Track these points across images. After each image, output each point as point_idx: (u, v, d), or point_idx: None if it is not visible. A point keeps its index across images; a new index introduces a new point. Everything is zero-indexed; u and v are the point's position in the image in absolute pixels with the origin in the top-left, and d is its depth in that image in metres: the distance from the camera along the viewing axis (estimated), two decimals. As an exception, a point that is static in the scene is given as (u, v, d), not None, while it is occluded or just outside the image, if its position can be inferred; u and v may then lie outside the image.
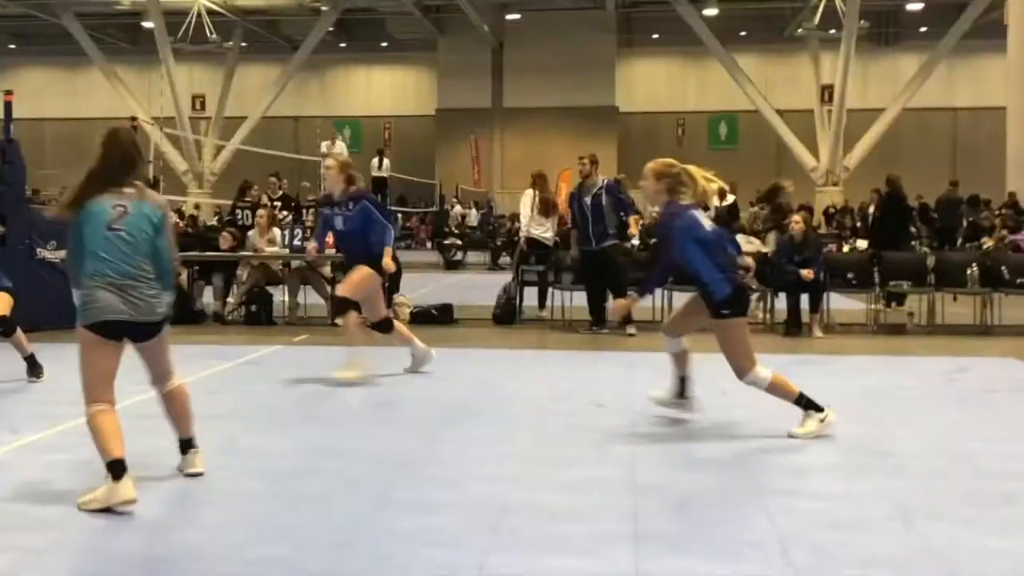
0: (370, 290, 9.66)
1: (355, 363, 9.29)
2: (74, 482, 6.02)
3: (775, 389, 7.34)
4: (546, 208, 14.74)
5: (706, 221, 7.52)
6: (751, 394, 9.04)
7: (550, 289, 14.56)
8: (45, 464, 6.38)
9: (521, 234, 15.83)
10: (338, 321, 9.45)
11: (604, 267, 13.08)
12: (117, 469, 5.44)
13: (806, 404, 7.28)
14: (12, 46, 48.86)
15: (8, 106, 13.73)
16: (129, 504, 5.40)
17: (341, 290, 9.64)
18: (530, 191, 14.88)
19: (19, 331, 9.37)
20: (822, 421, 7.21)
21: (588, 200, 13.22)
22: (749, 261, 8.46)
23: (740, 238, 15.08)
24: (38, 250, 12.85)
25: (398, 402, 8.62)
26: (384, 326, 9.84)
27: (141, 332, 5.82)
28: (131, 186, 5.83)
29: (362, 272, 9.48)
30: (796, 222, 13.62)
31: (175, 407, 6.16)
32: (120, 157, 5.86)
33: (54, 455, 6.60)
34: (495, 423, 7.71)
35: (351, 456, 6.65)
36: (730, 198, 24.39)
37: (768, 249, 14.29)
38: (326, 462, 6.51)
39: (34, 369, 9.34)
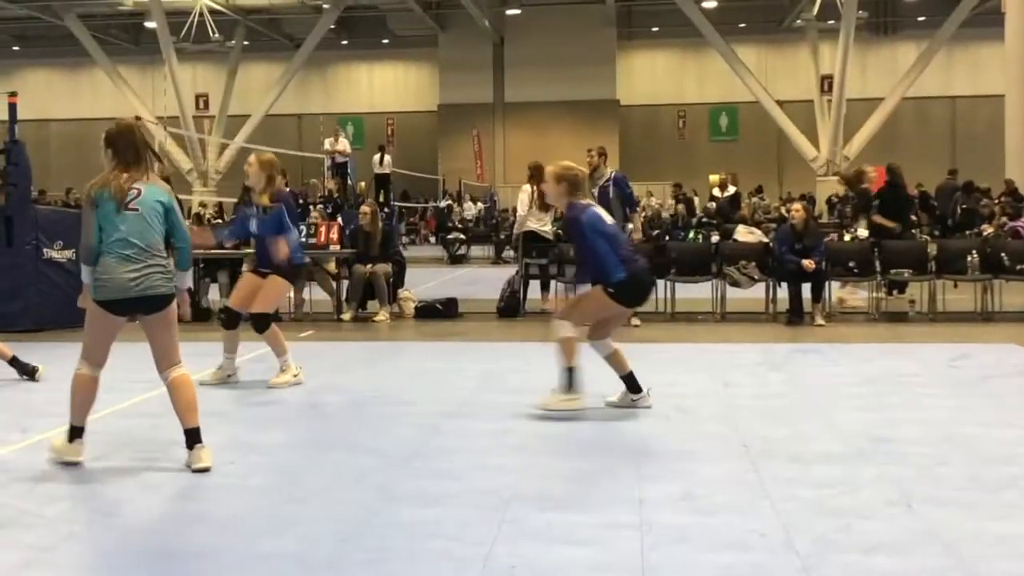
0: (281, 297, 9.79)
1: (288, 366, 9.25)
2: (82, 478, 6.04)
3: (566, 346, 7.73)
4: (544, 201, 14.70)
5: (606, 216, 7.99)
6: (752, 386, 9.08)
7: (553, 282, 14.55)
8: (57, 468, 6.37)
9: (515, 229, 15.79)
10: (264, 337, 9.21)
11: None
12: (74, 433, 6.28)
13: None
14: (16, 48, 48.87)
15: (12, 108, 13.74)
16: (72, 465, 6.22)
17: (255, 306, 9.26)
18: (527, 186, 14.83)
19: None
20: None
21: (595, 192, 13.21)
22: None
23: (741, 228, 15.12)
24: (45, 250, 12.86)
25: (403, 396, 8.61)
26: (261, 324, 9.30)
27: (146, 305, 6.23)
28: (142, 171, 6.26)
29: (276, 286, 9.31)
30: (796, 211, 13.63)
31: (178, 396, 6.30)
32: (130, 144, 6.26)
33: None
34: (500, 415, 7.71)
35: (356, 450, 6.66)
36: (731, 189, 24.49)
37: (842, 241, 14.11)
38: (331, 456, 6.53)
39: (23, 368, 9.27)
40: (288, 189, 10.40)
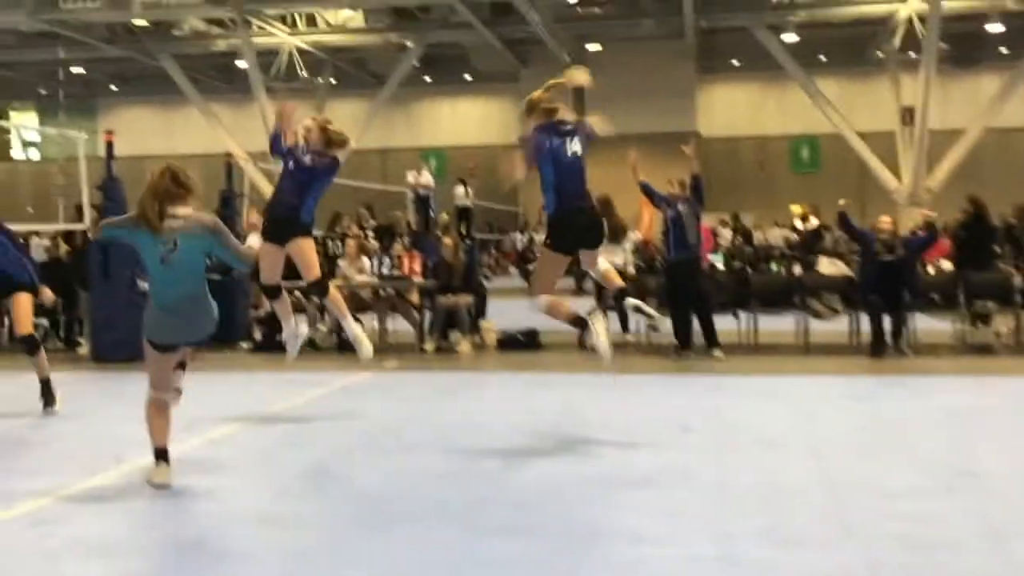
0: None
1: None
2: (173, 503, 6.10)
3: (551, 312, 8.06)
4: (615, 234, 14.60)
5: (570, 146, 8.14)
6: (837, 418, 8.92)
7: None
8: (150, 495, 6.43)
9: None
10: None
11: (688, 282, 13.00)
12: (158, 456, 6.45)
13: (582, 324, 7.97)
14: (113, 87, 49.96)
15: (110, 145, 14.05)
16: (161, 487, 6.31)
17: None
18: None
19: (43, 351, 9.50)
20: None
21: (672, 215, 13.21)
22: None
23: (824, 260, 14.92)
24: (139, 282, 13.06)
25: (486, 427, 8.58)
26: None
27: (190, 343, 6.78)
28: (178, 215, 6.36)
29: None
30: (885, 222, 13.28)
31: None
32: (163, 189, 6.37)
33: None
34: (582, 447, 7.66)
35: (440, 480, 6.64)
36: (813, 221, 24.22)
37: None
38: (414, 487, 6.52)
39: (48, 396, 9.37)
40: None
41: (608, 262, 10.04)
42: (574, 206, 7.92)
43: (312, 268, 8.89)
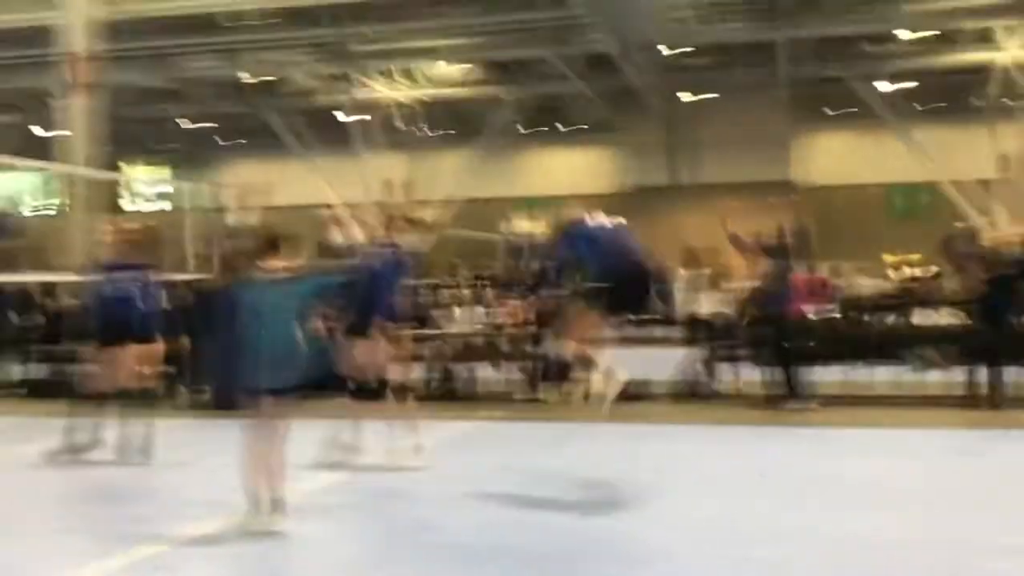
0: None
1: None
2: (286, 549, 6.16)
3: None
4: (707, 283, 14.50)
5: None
6: (955, 472, 8.70)
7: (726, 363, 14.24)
8: (259, 541, 6.50)
9: (679, 311, 15.60)
10: None
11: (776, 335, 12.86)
12: (268, 504, 6.61)
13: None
14: (225, 142, 51.12)
15: (233, 197, 14.38)
16: (273, 534, 6.47)
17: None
18: (682, 270, 14.67)
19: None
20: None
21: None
22: None
23: (922, 311, 14.58)
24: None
25: (592, 477, 8.54)
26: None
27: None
28: (277, 268, 6.74)
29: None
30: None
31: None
32: (263, 245, 6.86)
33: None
34: (685, 500, 7.59)
35: (547, 530, 6.62)
36: (933, 269, 23.72)
37: None
38: (517, 537, 6.50)
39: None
40: None
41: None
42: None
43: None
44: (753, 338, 13.48)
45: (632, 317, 8.22)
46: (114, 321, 9.37)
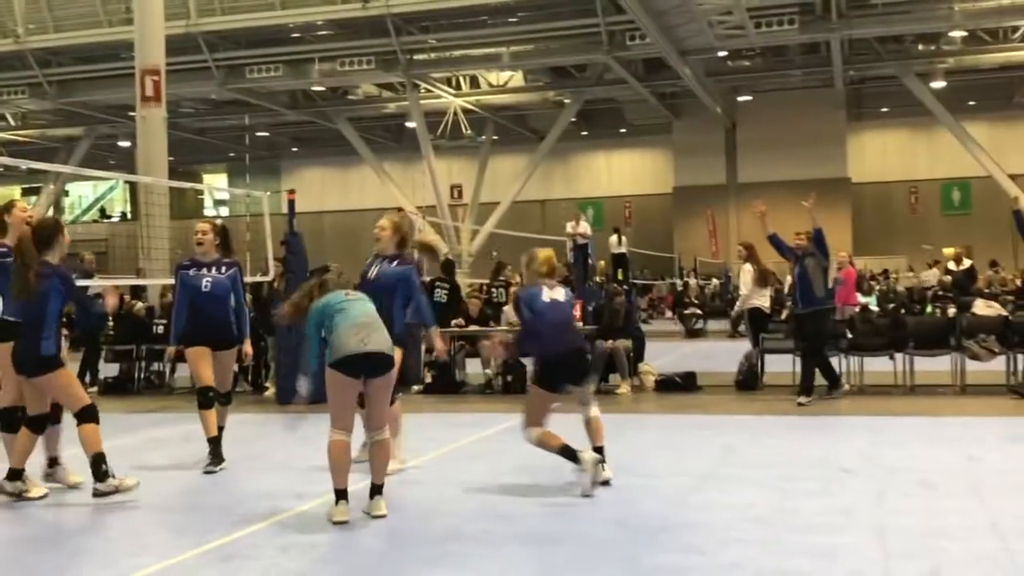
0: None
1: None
2: (350, 541, 6.13)
3: (542, 444, 7.56)
4: (764, 278, 14.33)
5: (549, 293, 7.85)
6: (997, 460, 8.52)
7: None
8: (330, 531, 6.48)
9: (738, 306, 15.47)
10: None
11: (817, 333, 12.69)
12: (338, 495, 6.60)
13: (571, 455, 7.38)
14: (295, 149, 51.57)
15: (291, 204, 14.44)
16: (340, 524, 6.45)
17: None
18: (747, 265, 14.48)
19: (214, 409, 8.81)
20: None
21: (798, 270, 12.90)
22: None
23: (980, 302, 14.33)
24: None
25: (647, 469, 8.44)
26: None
27: (372, 366, 6.71)
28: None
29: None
30: None
31: (379, 455, 6.85)
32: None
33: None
34: (741, 489, 7.46)
35: (604, 522, 6.54)
36: (966, 262, 23.39)
37: None
38: (580, 527, 6.42)
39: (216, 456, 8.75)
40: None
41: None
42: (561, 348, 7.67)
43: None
44: (792, 332, 13.34)
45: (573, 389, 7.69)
46: (207, 321, 8.88)
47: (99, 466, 7.23)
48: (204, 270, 8.98)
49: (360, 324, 6.72)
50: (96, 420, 7.37)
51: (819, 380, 12.68)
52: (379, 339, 6.74)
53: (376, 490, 6.76)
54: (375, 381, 6.74)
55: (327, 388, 6.78)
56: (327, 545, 6.18)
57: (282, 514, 6.90)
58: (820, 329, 12.68)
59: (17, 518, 7.10)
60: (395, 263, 8.31)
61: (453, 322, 15.05)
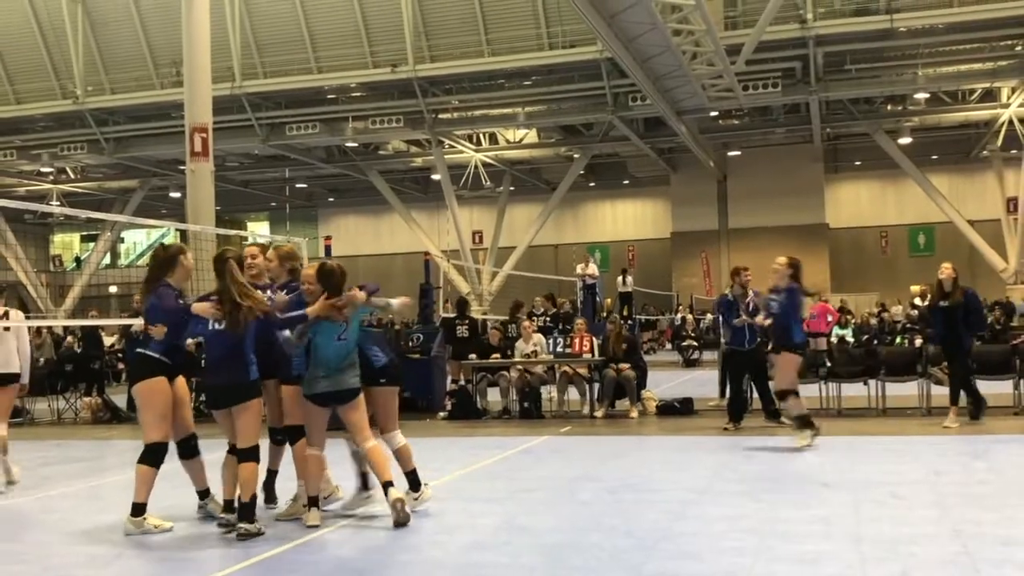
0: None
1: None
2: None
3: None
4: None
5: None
6: (960, 473, 8.54)
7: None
8: (359, 547, 6.54)
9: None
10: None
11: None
12: (311, 502, 6.90)
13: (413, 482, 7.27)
14: (331, 199, 51.86)
15: (328, 248, 14.61)
16: (312, 528, 6.73)
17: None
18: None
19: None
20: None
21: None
22: None
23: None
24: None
25: (650, 484, 8.50)
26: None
27: (340, 398, 6.88)
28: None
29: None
30: (945, 269, 12.33)
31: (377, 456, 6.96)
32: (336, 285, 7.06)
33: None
34: (733, 502, 7.51)
35: (611, 532, 6.58)
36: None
37: None
38: (590, 538, 6.46)
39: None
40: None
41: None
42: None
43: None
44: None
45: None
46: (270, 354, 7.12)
47: (251, 508, 6.60)
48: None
49: (333, 370, 6.95)
50: (258, 460, 6.79)
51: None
52: (343, 380, 6.95)
53: (390, 484, 6.85)
54: (345, 407, 6.97)
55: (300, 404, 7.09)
56: (357, 560, 6.23)
57: (303, 538, 6.97)
58: (750, 366, 13.00)
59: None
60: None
61: (471, 355, 15.19)
